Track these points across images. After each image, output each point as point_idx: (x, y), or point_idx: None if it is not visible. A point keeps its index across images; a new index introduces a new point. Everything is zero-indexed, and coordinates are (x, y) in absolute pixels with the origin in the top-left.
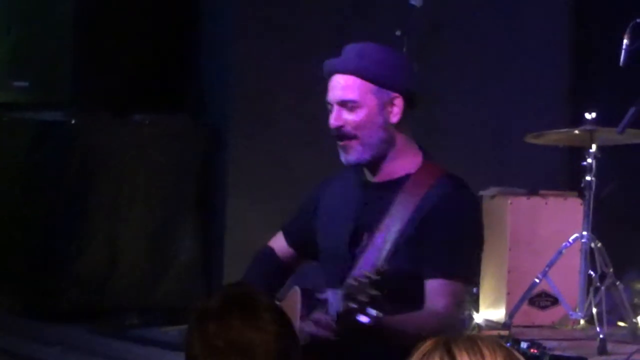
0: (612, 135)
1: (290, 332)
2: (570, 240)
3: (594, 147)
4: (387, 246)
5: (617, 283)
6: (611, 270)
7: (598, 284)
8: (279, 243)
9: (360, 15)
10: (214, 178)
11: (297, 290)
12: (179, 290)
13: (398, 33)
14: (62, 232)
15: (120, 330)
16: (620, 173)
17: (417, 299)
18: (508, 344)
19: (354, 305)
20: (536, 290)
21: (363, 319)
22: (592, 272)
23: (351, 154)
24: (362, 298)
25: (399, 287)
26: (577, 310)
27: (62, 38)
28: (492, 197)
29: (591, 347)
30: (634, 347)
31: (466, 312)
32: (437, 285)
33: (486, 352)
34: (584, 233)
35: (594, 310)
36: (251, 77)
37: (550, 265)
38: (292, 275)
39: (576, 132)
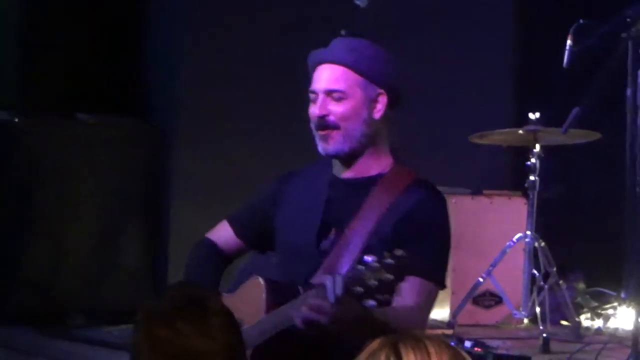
0: (555, 136)
1: (239, 339)
2: (514, 239)
3: (537, 147)
4: (359, 244)
5: (560, 282)
6: (554, 269)
7: (541, 283)
8: (223, 234)
9: (305, 16)
10: (159, 180)
11: (260, 280)
12: (124, 292)
13: (343, 33)
14: (6, 234)
15: (65, 331)
16: (563, 173)
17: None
18: (452, 343)
19: (361, 290)
20: (480, 290)
21: (372, 303)
22: (535, 272)
23: (331, 145)
24: (372, 282)
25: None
26: (521, 309)
27: (7, 39)
28: None
29: (534, 346)
30: (577, 346)
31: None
32: (412, 282)
33: (432, 351)
34: (528, 233)
35: (538, 309)
36: (198, 79)
37: (494, 264)
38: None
39: (520, 132)
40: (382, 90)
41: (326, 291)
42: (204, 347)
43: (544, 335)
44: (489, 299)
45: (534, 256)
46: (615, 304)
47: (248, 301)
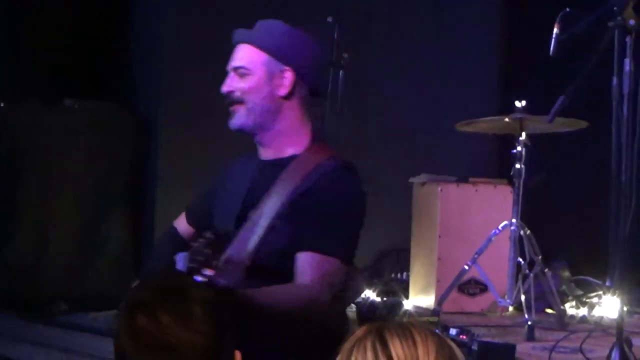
0: (541, 124)
1: (222, 329)
2: (499, 227)
3: (523, 135)
4: (264, 224)
5: (546, 271)
6: (540, 258)
7: (527, 271)
8: (182, 222)
9: (292, 2)
10: (144, 166)
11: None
12: (108, 278)
13: (329, 20)
14: None
15: (49, 317)
16: (549, 161)
17: (292, 277)
18: (437, 331)
19: (194, 265)
20: (465, 278)
21: (200, 278)
22: (520, 260)
23: (236, 119)
24: (200, 258)
25: (274, 264)
26: (506, 297)
27: None
28: (423, 184)
29: (519, 334)
30: (562, 334)
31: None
32: (305, 258)
33: (418, 339)
34: (513, 221)
35: (523, 297)
36: (182, 65)
37: (479, 252)
38: None
39: (506, 120)
40: (287, 67)
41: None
42: (184, 337)
43: (529, 323)
44: (474, 286)
45: (519, 244)
46: (600, 292)
47: None
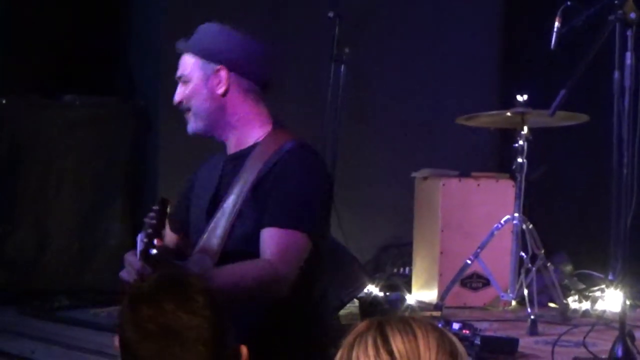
0: (543, 118)
1: (223, 317)
2: (501, 222)
3: (525, 129)
4: (232, 210)
5: (548, 264)
6: (542, 251)
7: (529, 265)
8: (167, 233)
9: None
10: (144, 160)
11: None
12: (108, 272)
13: (330, 15)
14: None
15: (49, 312)
16: (550, 155)
17: None
18: (440, 325)
19: (146, 240)
20: (468, 272)
21: (153, 251)
22: (523, 254)
23: (189, 126)
24: (150, 230)
25: (244, 249)
26: (508, 291)
27: None
28: (425, 178)
29: (522, 328)
30: (564, 328)
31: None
32: (269, 234)
33: (419, 334)
34: (516, 215)
35: (525, 291)
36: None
37: (481, 246)
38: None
39: (508, 114)
40: (220, 66)
41: (137, 249)
42: (188, 323)
43: (532, 317)
44: (476, 281)
45: (521, 238)
46: (603, 286)
47: None
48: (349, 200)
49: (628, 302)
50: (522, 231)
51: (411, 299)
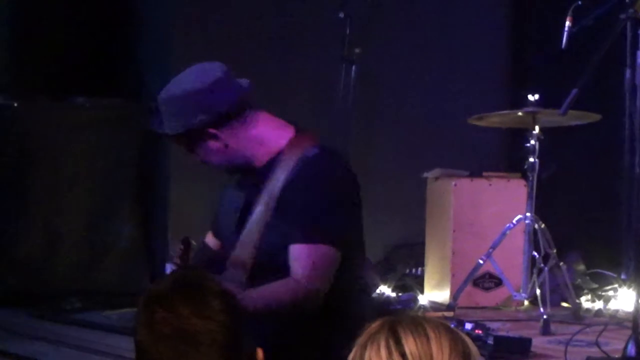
0: (554, 117)
1: (239, 321)
2: (513, 221)
3: (536, 129)
4: (261, 222)
5: (560, 264)
6: (554, 251)
7: (541, 265)
8: (208, 236)
9: None
10: (154, 161)
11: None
12: (119, 274)
13: (341, 15)
14: (0, 216)
15: (61, 314)
16: (562, 155)
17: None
18: (452, 325)
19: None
20: (480, 272)
21: None
22: (535, 254)
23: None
24: (177, 261)
25: (274, 261)
26: (521, 291)
27: None
28: (436, 179)
29: (535, 328)
30: (577, 328)
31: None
32: (294, 251)
33: (431, 334)
34: (528, 214)
35: (538, 291)
36: (190, 60)
37: (494, 246)
38: None
39: (519, 114)
40: (204, 132)
41: None
42: (203, 328)
43: (544, 317)
44: (488, 281)
45: (533, 238)
46: (616, 285)
47: None
48: None
49: None
50: (534, 231)
51: (423, 299)
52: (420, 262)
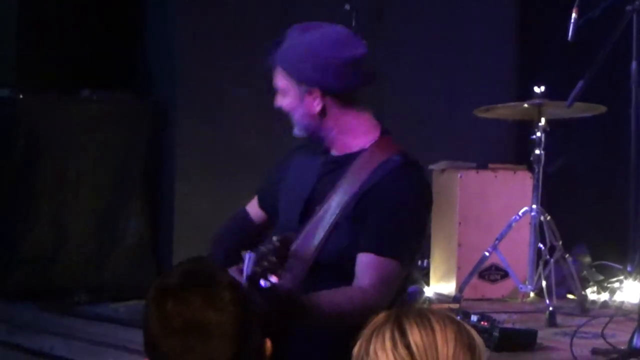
0: (560, 109)
1: (249, 313)
2: (519, 213)
3: (542, 121)
4: (329, 220)
5: (566, 256)
6: (560, 243)
7: (547, 257)
8: (253, 204)
9: None
10: (161, 156)
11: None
12: (127, 268)
13: (347, 7)
14: (8, 211)
15: (69, 307)
16: (568, 147)
17: (353, 277)
18: (458, 317)
19: (258, 269)
20: (486, 264)
21: (263, 283)
22: (541, 246)
23: (294, 130)
24: (265, 263)
25: (337, 262)
26: (527, 283)
27: (7, 16)
28: (442, 171)
29: (541, 320)
30: (583, 320)
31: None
32: (367, 260)
33: (437, 326)
34: (534, 206)
35: (544, 283)
36: (198, 54)
37: (499, 238)
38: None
39: (525, 105)
40: (311, 89)
41: (244, 268)
42: (214, 319)
43: (550, 309)
44: (494, 273)
45: (539, 230)
46: (621, 277)
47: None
48: None
49: None
50: (540, 223)
51: (429, 291)
52: (426, 255)
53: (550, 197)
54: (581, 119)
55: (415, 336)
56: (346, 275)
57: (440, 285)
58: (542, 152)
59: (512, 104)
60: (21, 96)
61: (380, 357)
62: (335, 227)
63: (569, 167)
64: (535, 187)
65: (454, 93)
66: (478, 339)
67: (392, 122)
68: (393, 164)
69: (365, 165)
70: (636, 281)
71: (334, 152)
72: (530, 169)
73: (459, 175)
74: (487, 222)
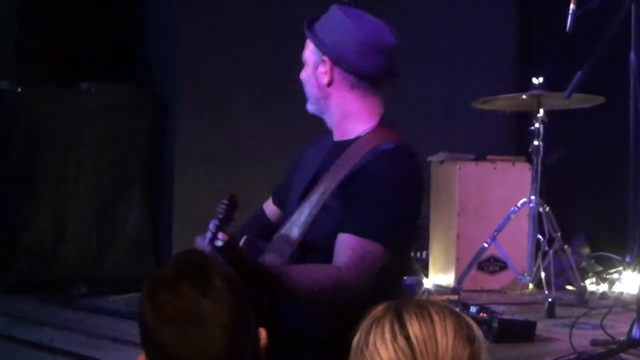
0: (559, 100)
1: (244, 301)
2: (518, 205)
3: (541, 112)
4: (318, 202)
5: (565, 247)
6: (559, 234)
7: (546, 248)
8: (269, 202)
9: None
10: (161, 147)
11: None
12: (127, 260)
13: (346, 0)
14: (8, 203)
15: (69, 299)
16: (567, 138)
17: None
18: (457, 309)
19: (213, 231)
20: (485, 255)
21: (218, 243)
22: (540, 237)
23: (307, 104)
24: (216, 222)
25: (323, 243)
26: (526, 274)
27: (7, 9)
28: (441, 162)
29: (540, 311)
30: (582, 311)
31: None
32: (346, 239)
33: (436, 318)
34: (532, 198)
35: (542, 274)
36: (198, 46)
37: (498, 230)
38: None
39: (524, 97)
40: (325, 57)
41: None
42: (207, 308)
43: (549, 300)
44: (493, 264)
45: (538, 221)
46: (620, 268)
47: None
48: None
49: None
50: (539, 214)
51: (428, 283)
52: (425, 246)
53: (549, 188)
54: (580, 110)
55: (414, 328)
56: (331, 256)
57: (439, 276)
58: (540, 143)
59: (511, 95)
60: (20, 89)
61: (380, 349)
62: (322, 209)
63: (568, 158)
64: (534, 179)
65: (453, 84)
66: (477, 330)
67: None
68: (383, 148)
69: (358, 151)
70: (635, 272)
71: (336, 137)
72: (529, 160)
73: (457, 166)
74: (486, 213)
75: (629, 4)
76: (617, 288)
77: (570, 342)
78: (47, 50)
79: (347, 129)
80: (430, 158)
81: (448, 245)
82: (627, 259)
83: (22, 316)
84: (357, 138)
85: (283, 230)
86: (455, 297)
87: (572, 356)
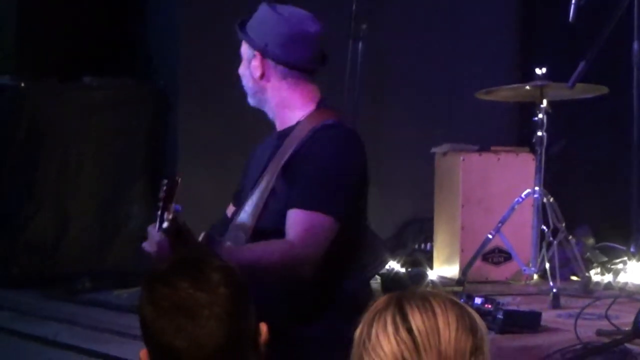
0: (562, 91)
1: (242, 295)
2: (522, 195)
3: (544, 103)
4: (267, 188)
5: (570, 238)
6: (563, 225)
7: (550, 239)
8: (229, 207)
9: None
10: (164, 141)
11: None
12: (129, 254)
13: None
14: (11, 197)
15: (72, 294)
16: (570, 128)
17: None
18: (462, 300)
19: (159, 213)
20: (489, 247)
21: (164, 224)
22: (544, 228)
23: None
24: (160, 204)
25: (276, 226)
26: (530, 265)
27: (7, 3)
28: (444, 154)
29: (544, 302)
30: (587, 301)
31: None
32: (293, 215)
33: (438, 310)
34: (536, 188)
35: (547, 265)
36: (199, 39)
37: (503, 221)
38: None
39: (527, 87)
40: (255, 52)
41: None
42: (203, 300)
43: (554, 290)
44: (498, 255)
45: (542, 212)
46: (625, 258)
47: None
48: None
49: None
50: (543, 205)
51: (433, 274)
52: (429, 238)
53: (552, 179)
54: (583, 100)
55: (416, 320)
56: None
57: (443, 268)
58: (544, 134)
59: (514, 86)
60: (22, 83)
61: (382, 342)
62: (271, 193)
63: (572, 149)
64: (537, 169)
65: (456, 75)
66: (480, 322)
67: (394, 106)
68: (322, 128)
69: (299, 133)
70: (639, 262)
71: (279, 128)
72: (533, 151)
73: (461, 158)
74: (490, 204)
75: None
76: (621, 278)
77: (576, 332)
78: (49, 45)
79: (287, 117)
80: (433, 149)
81: (452, 237)
82: (632, 249)
83: (26, 311)
84: (298, 123)
85: (237, 219)
86: (459, 289)
87: (578, 346)
